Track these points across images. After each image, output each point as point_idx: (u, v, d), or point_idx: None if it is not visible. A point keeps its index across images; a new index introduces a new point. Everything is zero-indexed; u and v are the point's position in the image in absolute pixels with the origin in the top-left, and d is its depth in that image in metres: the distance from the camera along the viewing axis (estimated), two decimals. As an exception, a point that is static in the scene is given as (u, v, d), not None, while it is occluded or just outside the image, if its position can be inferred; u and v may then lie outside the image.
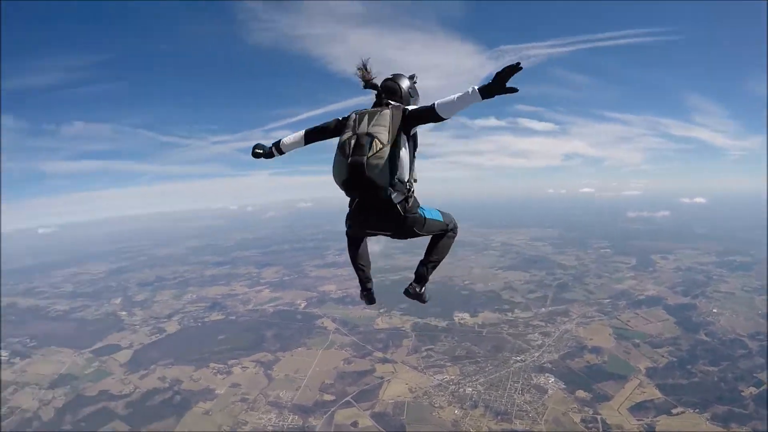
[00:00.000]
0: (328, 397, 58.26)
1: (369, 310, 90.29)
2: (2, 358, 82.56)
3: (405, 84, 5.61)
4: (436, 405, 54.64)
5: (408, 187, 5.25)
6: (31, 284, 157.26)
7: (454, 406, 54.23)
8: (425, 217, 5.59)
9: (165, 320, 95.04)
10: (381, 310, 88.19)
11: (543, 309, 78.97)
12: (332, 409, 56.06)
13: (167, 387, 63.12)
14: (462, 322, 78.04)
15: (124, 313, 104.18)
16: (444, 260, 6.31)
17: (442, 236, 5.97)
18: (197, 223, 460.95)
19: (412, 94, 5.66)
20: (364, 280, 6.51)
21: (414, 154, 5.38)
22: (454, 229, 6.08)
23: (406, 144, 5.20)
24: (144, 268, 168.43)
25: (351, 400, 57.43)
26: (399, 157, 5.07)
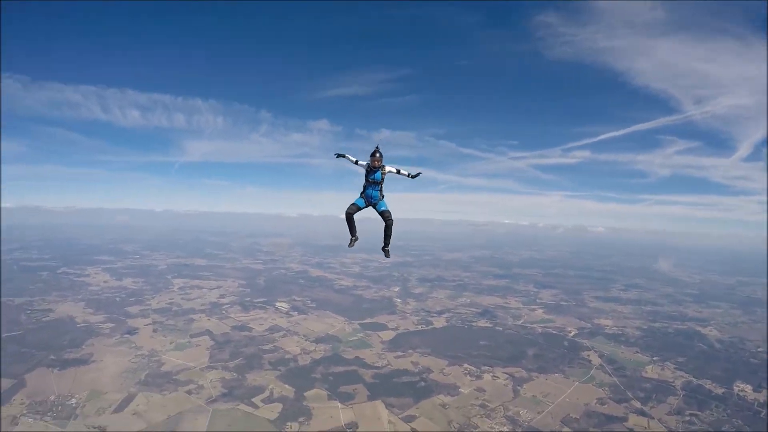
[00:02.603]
0: (567, 431, 54.93)
1: (641, 355, 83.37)
2: (283, 309, 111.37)
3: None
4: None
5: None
6: (324, 259, 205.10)
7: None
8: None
9: (435, 315, 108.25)
10: (654, 358, 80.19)
11: None
12: (566, 446, 53.41)
13: (416, 372, 72.29)
14: (741, 394, 66.42)
15: (398, 300, 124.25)
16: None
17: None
18: (486, 234, 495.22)
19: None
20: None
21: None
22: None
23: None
24: (427, 266, 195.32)
25: (590, 443, 53.11)
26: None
